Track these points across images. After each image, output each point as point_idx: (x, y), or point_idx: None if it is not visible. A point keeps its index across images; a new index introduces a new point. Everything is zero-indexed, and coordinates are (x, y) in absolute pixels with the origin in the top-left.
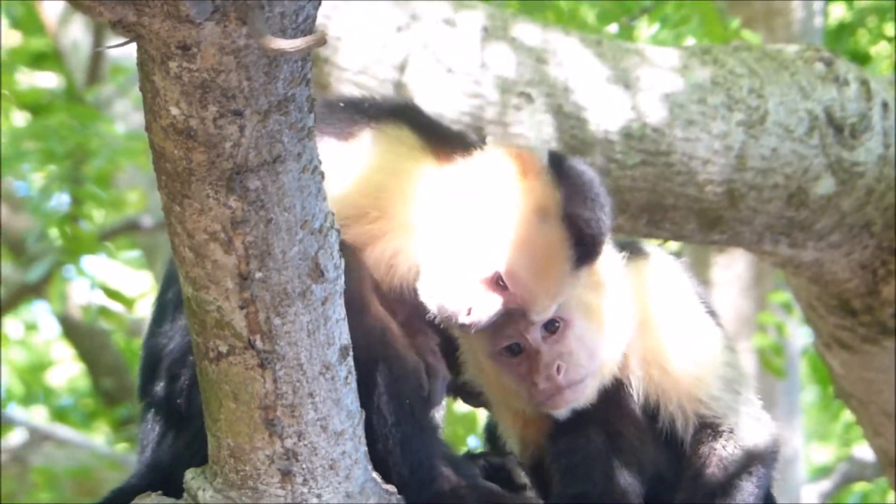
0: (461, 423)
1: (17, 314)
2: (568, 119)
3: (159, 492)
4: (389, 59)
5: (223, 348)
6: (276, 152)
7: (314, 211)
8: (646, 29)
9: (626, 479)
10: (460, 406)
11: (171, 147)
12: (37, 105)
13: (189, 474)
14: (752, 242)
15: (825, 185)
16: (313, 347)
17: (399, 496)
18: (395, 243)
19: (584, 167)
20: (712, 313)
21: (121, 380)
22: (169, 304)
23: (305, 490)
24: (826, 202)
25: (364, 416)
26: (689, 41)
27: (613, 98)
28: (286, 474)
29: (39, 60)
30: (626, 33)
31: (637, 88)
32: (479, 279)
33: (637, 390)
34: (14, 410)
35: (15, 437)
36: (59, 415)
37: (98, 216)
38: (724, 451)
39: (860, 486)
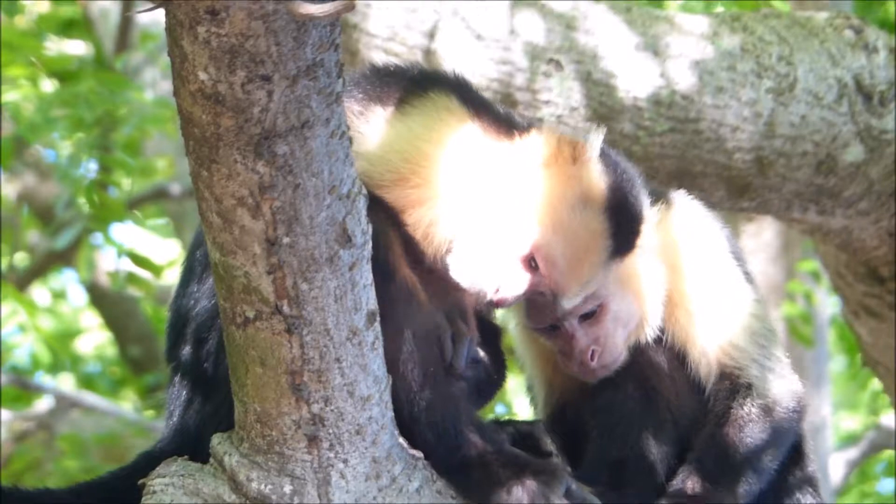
0: None
1: (45, 282)
2: (597, 86)
3: (185, 457)
4: (419, 26)
5: (250, 313)
6: (305, 117)
7: (342, 176)
8: None
9: (660, 448)
10: None
11: (199, 112)
12: (65, 72)
13: (215, 439)
14: (780, 210)
15: (854, 153)
16: (340, 313)
17: (426, 461)
18: (434, 212)
19: (628, 163)
20: (741, 264)
21: (148, 348)
22: (196, 264)
23: (332, 455)
24: (855, 169)
25: (391, 382)
26: (719, 9)
27: (643, 65)
28: (312, 439)
29: (68, 28)
30: (656, 0)
31: (666, 55)
32: (512, 258)
33: (666, 336)
34: (41, 378)
35: (42, 405)
36: (87, 382)
37: (126, 183)
38: (741, 409)
39: (887, 454)
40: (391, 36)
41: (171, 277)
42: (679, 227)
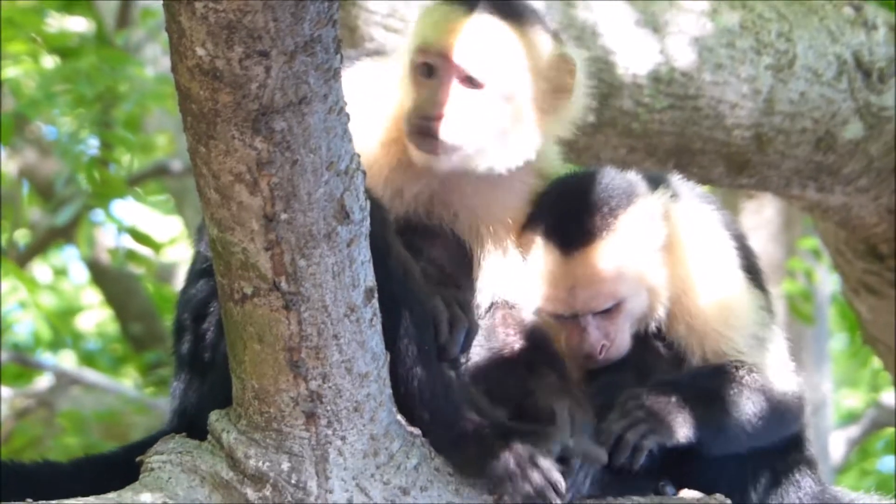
0: None
1: (46, 259)
2: (596, 63)
3: (183, 434)
4: (417, 1)
5: (248, 290)
6: (302, 93)
7: (340, 152)
8: None
9: None
10: None
11: (196, 88)
12: (66, 49)
13: (213, 416)
14: (779, 187)
15: (853, 130)
16: (338, 289)
17: (423, 438)
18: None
19: None
20: (745, 254)
21: (149, 325)
22: (199, 259)
23: (330, 432)
24: (854, 147)
25: (389, 359)
26: None
27: (642, 42)
28: (310, 416)
29: (69, 4)
30: None
31: (666, 32)
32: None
33: (667, 325)
34: (42, 355)
35: (42, 382)
36: (88, 360)
37: (127, 160)
38: (734, 371)
39: (888, 432)
40: (390, 12)
41: (172, 255)
42: (683, 219)
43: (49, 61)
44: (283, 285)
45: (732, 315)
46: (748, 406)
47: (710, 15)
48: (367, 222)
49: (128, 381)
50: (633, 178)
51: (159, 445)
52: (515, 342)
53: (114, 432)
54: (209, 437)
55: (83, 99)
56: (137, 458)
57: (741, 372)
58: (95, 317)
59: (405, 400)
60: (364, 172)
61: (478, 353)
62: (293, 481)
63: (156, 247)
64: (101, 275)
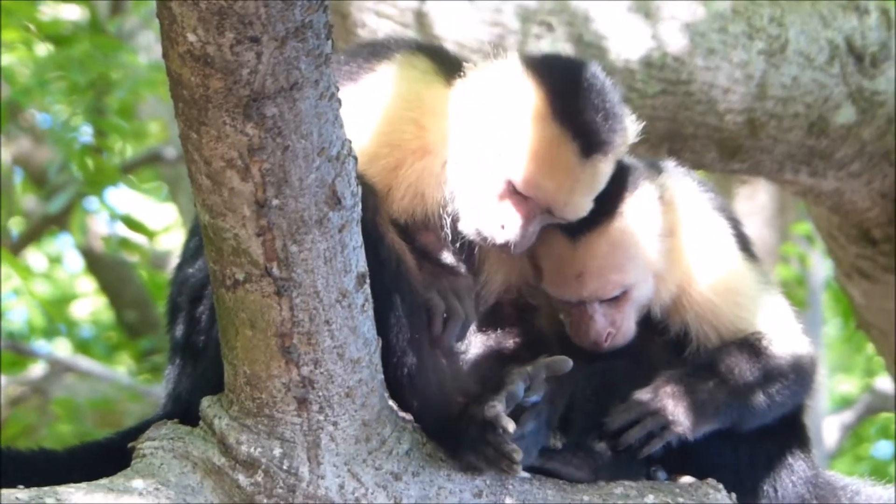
0: None
1: (40, 247)
2: (588, 48)
3: (175, 420)
4: None
5: (240, 276)
6: (294, 79)
7: (331, 138)
8: None
9: None
10: None
11: (188, 74)
12: (59, 37)
13: (205, 402)
14: (772, 171)
15: (845, 114)
16: (330, 275)
17: (415, 424)
18: (415, 168)
19: (573, 63)
20: (740, 237)
21: (144, 312)
22: (192, 246)
23: (321, 418)
24: (846, 131)
25: (380, 345)
26: None
27: (634, 27)
28: (302, 402)
29: None
30: None
31: (658, 17)
32: (497, 194)
33: (666, 311)
34: (36, 343)
35: (36, 369)
36: (82, 347)
37: (120, 147)
38: (739, 344)
39: (882, 418)
40: None
41: (166, 242)
42: (684, 204)
43: (42, 49)
44: (275, 271)
45: (739, 293)
46: (769, 377)
47: (702, 0)
48: (359, 208)
49: (122, 369)
50: (635, 163)
51: (151, 431)
52: (510, 330)
53: (108, 420)
54: (201, 423)
55: (76, 86)
56: (129, 445)
57: (757, 345)
58: (90, 305)
59: (397, 385)
60: (355, 158)
61: (474, 341)
62: (285, 467)
63: (149, 234)
64: (96, 263)
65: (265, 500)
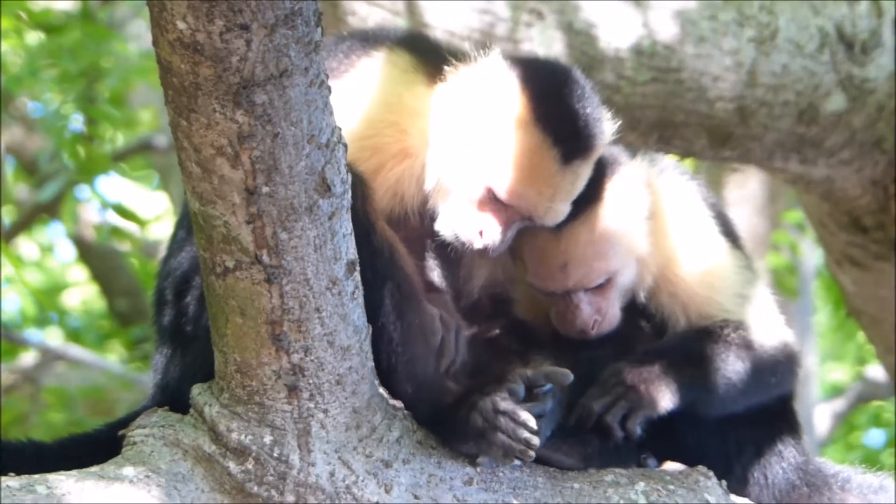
0: None
1: (32, 236)
2: (578, 36)
3: (165, 408)
4: None
5: (230, 263)
6: (283, 66)
7: (321, 125)
8: None
9: None
10: None
11: (177, 61)
12: (51, 25)
13: (195, 390)
14: (762, 159)
15: (836, 102)
16: (320, 262)
17: (406, 412)
18: (395, 172)
19: (554, 67)
20: (723, 222)
21: (135, 301)
22: (180, 234)
23: (312, 405)
24: (837, 119)
25: (371, 332)
26: None
27: (624, 14)
28: (293, 389)
29: None
30: None
31: (648, 5)
32: (476, 200)
33: (651, 296)
34: (28, 332)
35: (28, 358)
36: (74, 336)
37: (111, 136)
38: (721, 331)
39: (873, 406)
40: None
41: (157, 231)
42: (663, 188)
43: (34, 38)
44: (265, 258)
45: (715, 277)
46: (737, 363)
47: None
48: (349, 195)
49: (113, 357)
50: (614, 149)
51: (142, 419)
52: (493, 321)
53: (99, 408)
54: (191, 410)
55: (67, 75)
56: (120, 433)
57: (727, 330)
58: (81, 293)
59: (388, 373)
60: (345, 146)
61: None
62: (276, 454)
63: (141, 223)
64: (87, 251)
65: (256, 488)
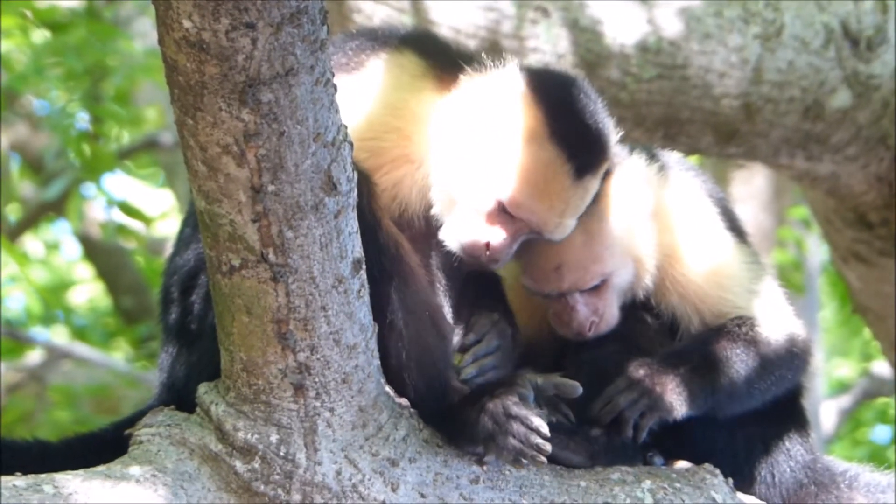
0: None
1: (37, 234)
2: (584, 33)
3: (172, 407)
4: None
5: (236, 262)
6: (289, 65)
7: (327, 123)
8: None
9: None
10: None
11: (183, 60)
12: (56, 23)
13: (202, 388)
14: (768, 156)
15: (841, 98)
16: (326, 260)
17: (412, 410)
18: (390, 176)
19: (567, 80)
20: (729, 218)
21: (140, 299)
22: (186, 233)
23: (318, 404)
24: (842, 115)
25: (377, 330)
26: None
27: (630, 12)
28: (299, 388)
29: None
30: None
31: (653, 2)
32: (485, 213)
33: (655, 295)
34: (34, 330)
35: (34, 356)
36: (80, 334)
37: (116, 134)
38: (732, 328)
39: (880, 402)
40: None
41: (163, 229)
42: (666, 185)
43: (39, 36)
44: (271, 257)
45: (724, 274)
46: (755, 362)
47: None
48: (354, 193)
49: (119, 355)
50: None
51: (148, 418)
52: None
53: (105, 406)
54: (198, 409)
55: (73, 73)
56: (126, 432)
57: (744, 328)
58: (87, 291)
59: (395, 371)
60: (351, 144)
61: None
62: (282, 453)
63: (146, 220)
64: (93, 249)
65: (262, 487)
